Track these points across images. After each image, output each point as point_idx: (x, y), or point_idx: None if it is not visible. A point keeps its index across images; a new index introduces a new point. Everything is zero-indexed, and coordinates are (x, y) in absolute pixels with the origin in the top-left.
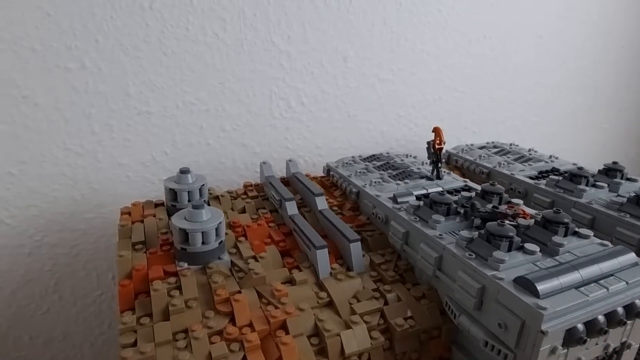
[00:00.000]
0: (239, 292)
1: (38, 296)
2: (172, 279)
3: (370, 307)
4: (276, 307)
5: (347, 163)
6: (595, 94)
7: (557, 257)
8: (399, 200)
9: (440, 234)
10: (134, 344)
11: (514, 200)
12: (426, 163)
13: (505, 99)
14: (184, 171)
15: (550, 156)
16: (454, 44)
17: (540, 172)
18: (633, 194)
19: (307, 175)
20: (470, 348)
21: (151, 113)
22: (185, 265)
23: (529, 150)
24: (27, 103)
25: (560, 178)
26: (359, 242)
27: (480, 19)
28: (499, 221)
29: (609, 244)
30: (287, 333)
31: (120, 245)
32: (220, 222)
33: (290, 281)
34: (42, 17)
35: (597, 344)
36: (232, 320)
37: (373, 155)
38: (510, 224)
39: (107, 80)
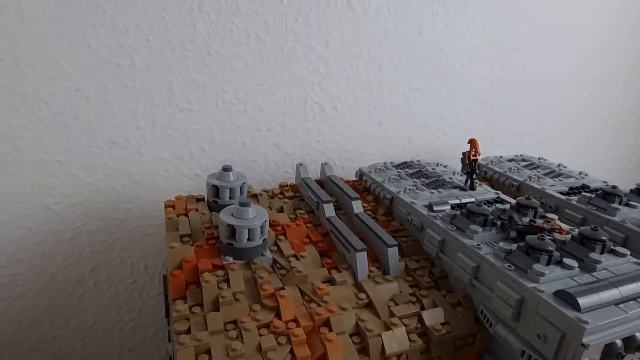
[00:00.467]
0: (283, 288)
1: (75, 280)
2: (220, 272)
3: (408, 310)
4: (319, 305)
5: (379, 169)
6: (625, 112)
7: (594, 274)
8: (435, 208)
9: (478, 244)
10: (188, 331)
11: (549, 215)
12: (457, 173)
13: (533, 112)
14: (227, 169)
15: (580, 172)
16: (486, 56)
17: (571, 188)
18: None
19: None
20: (503, 357)
21: (192, 110)
22: (231, 259)
23: (559, 165)
24: (79, 96)
25: (593, 195)
26: (397, 247)
27: (514, 32)
28: (538, 235)
29: None
30: (331, 330)
31: (169, 237)
32: (265, 221)
33: (330, 281)
34: (98, 15)
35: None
36: (278, 315)
37: (405, 162)
38: (549, 239)
39: (154, 77)
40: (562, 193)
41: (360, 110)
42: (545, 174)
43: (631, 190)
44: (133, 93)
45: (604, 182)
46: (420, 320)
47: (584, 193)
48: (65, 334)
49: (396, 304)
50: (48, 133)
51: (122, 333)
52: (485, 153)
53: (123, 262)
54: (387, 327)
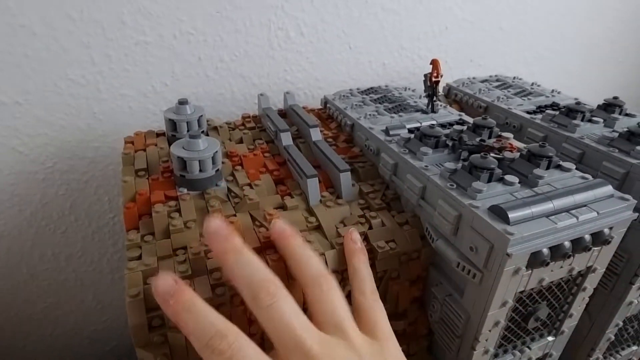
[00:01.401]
0: (234, 215)
1: (56, 217)
2: (173, 203)
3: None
4: (267, 229)
5: (344, 96)
6: (612, 25)
7: (535, 189)
8: (391, 132)
9: (426, 166)
10: (139, 257)
11: (504, 134)
12: (424, 96)
13: (516, 30)
14: (182, 102)
15: (552, 91)
16: None
17: (539, 107)
18: (626, 129)
19: (304, 108)
20: (445, 268)
21: (148, 43)
22: (185, 190)
23: (532, 84)
24: (25, 32)
25: (558, 113)
26: (349, 172)
27: None
28: (482, 154)
29: (590, 177)
30: (276, 252)
31: (124, 171)
32: (217, 152)
33: (283, 207)
34: None
35: (561, 267)
36: None
37: (371, 87)
38: (496, 157)
39: (102, 7)
40: (528, 112)
41: (329, 34)
42: (516, 94)
43: (598, 106)
44: (81, 26)
45: (575, 99)
46: (367, 239)
47: (548, 111)
48: (55, 266)
49: (344, 225)
50: (1, 74)
51: (110, 264)
52: (464, 75)
53: (100, 198)
54: (332, 247)
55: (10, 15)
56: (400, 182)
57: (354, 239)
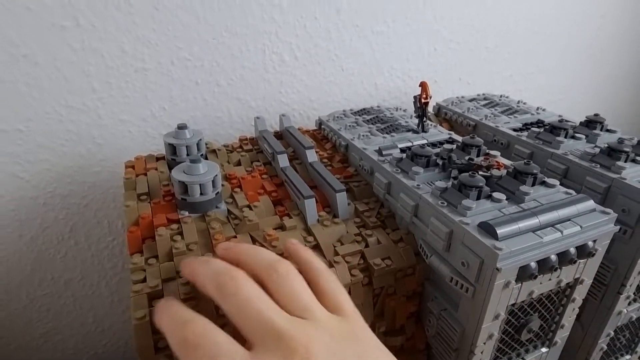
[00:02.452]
0: (235, 237)
1: (56, 241)
2: (175, 226)
3: (352, 249)
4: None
5: (338, 117)
6: (596, 42)
7: (522, 205)
8: (384, 152)
9: (418, 185)
10: (144, 280)
11: (492, 152)
12: (415, 116)
13: (502, 49)
14: (182, 127)
15: (537, 108)
16: None
17: (525, 124)
18: (606, 145)
19: (299, 129)
20: (439, 283)
21: (147, 70)
22: (186, 213)
23: (518, 102)
24: (28, 62)
25: (542, 130)
26: (344, 192)
27: None
28: (470, 172)
29: (573, 192)
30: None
31: (126, 196)
32: (216, 175)
33: (282, 227)
34: None
35: (550, 279)
36: None
37: (364, 109)
38: (484, 175)
39: (102, 37)
40: (515, 130)
41: (322, 57)
42: (503, 112)
43: (580, 123)
44: (82, 55)
45: (559, 116)
46: (364, 257)
47: (533, 128)
48: (55, 290)
49: (342, 244)
50: (2, 102)
51: (109, 287)
52: (453, 94)
53: (99, 222)
54: (331, 265)
55: (13, 46)
56: (394, 200)
57: (292, 241)
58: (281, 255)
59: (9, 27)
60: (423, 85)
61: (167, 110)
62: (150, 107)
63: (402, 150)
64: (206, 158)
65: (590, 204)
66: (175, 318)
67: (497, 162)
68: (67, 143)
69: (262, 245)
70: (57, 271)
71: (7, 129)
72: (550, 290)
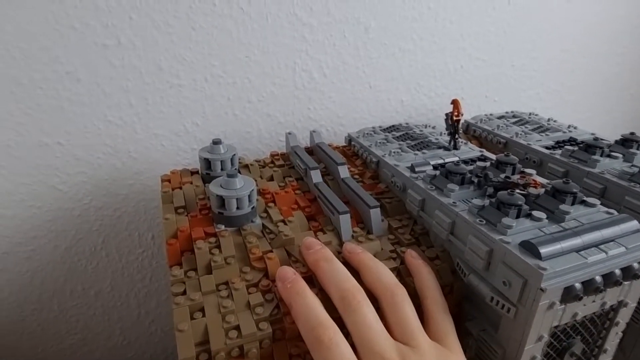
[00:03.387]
0: (271, 251)
1: (88, 253)
2: (212, 239)
3: (388, 266)
4: (303, 265)
5: (367, 133)
6: (623, 60)
7: (562, 224)
8: (417, 169)
9: (454, 202)
10: (184, 293)
11: (527, 170)
12: (444, 133)
13: (528, 67)
14: (217, 142)
15: (569, 126)
16: (477, 12)
17: (557, 142)
18: None
19: (329, 145)
20: (478, 303)
21: (182, 86)
22: (223, 227)
23: (548, 120)
24: (70, 79)
25: (576, 148)
26: (379, 208)
27: None
28: (509, 190)
29: (615, 212)
30: (314, 286)
31: (165, 209)
32: (253, 190)
33: None
34: None
35: (594, 301)
36: (266, 275)
37: (393, 125)
38: (521, 193)
39: (141, 55)
40: (547, 148)
41: (350, 75)
42: (533, 129)
43: (616, 141)
44: (122, 72)
45: (592, 134)
46: (400, 274)
47: (566, 146)
48: (85, 301)
49: None
50: (45, 116)
51: (137, 298)
52: (480, 111)
53: (131, 234)
54: None
55: (58, 63)
56: (429, 217)
57: (413, 255)
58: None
59: (56, 45)
60: (455, 102)
61: (200, 125)
62: (184, 122)
63: (435, 167)
64: (239, 172)
65: (635, 224)
66: (312, 317)
67: (533, 180)
68: (104, 156)
69: (298, 260)
70: (88, 282)
71: (49, 142)
72: (594, 313)
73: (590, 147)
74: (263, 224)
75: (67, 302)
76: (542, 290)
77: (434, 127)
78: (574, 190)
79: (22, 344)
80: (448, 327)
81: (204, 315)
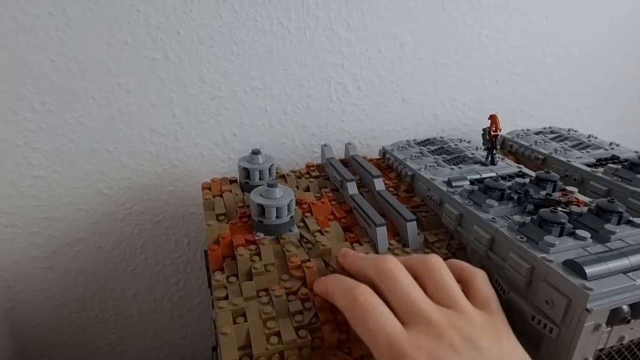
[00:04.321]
0: (309, 260)
1: (128, 255)
2: (252, 247)
3: None
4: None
5: (402, 147)
6: None
7: (607, 244)
8: (453, 184)
9: (493, 218)
10: (226, 297)
11: (569, 188)
12: (480, 148)
13: (567, 81)
14: (256, 152)
15: (611, 143)
16: (514, 27)
17: (599, 160)
18: None
19: (364, 157)
20: (518, 321)
21: (223, 97)
22: (262, 235)
23: (589, 136)
24: (121, 90)
25: (620, 167)
26: (415, 222)
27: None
28: (551, 208)
29: None
30: None
31: (207, 215)
32: (292, 200)
33: None
34: (133, 13)
35: None
36: (304, 284)
37: (427, 139)
38: (563, 211)
39: (186, 68)
40: (588, 165)
41: (384, 88)
42: (573, 146)
43: None
44: (168, 84)
45: (636, 152)
46: None
47: (609, 164)
48: (123, 302)
49: None
50: (97, 125)
51: (171, 302)
52: (516, 126)
53: (168, 239)
54: None
55: (111, 76)
56: (466, 232)
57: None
58: None
59: (110, 59)
60: (493, 117)
61: (237, 135)
62: (223, 132)
63: (472, 182)
64: None
65: None
66: (346, 284)
67: (576, 198)
68: (147, 163)
69: (335, 270)
70: (127, 284)
71: (99, 149)
72: None
73: (635, 166)
74: (300, 234)
75: (107, 302)
76: (587, 311)
77: (469, 142)
78: (620, 209)
79: (63, 341)
80: (490, 294)
81: (245, 320)
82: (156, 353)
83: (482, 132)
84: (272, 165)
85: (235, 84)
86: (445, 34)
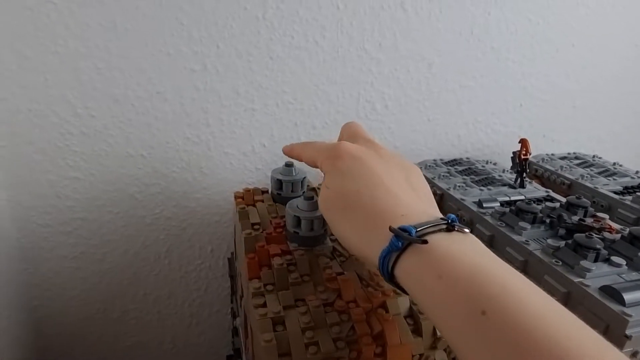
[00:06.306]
0: (343, 273)
1: (153, 260)
2: (288, 257)
3: None
4: (375, 289)
5: (429, 166)
6: None
7: None
8: (485, 205)
9: (526, 240)
10: (264, 305)
11: (600, 214)
12: (507, 171)
13: (590, 108)
14: (289, 164)
15: (637, 172)
16: (540, 52)
17: (626, 188)
18: None
19: None
20: None
21: (255, 110)
22: (297, 246)
23: (614, 164)
24: (159, 98)
25: None
26: None
27: (571, 27)
28: (587, 233)
29: None
30: (387, 312)
31: (242, 224)
32: None
33: None
34: (177, 26)
35: None
36: (339, 296)
37: (454, 159)
38: (598, 237)
39: (223, 80)
40: (615, 192)
41: (410, 107)
42: (599, 173)
43: None
44: (204, 95)
45: None
46: None
47: (638, 193)
48: (144, 306)
49: None
50: (134, 130)
51: (190, 308)
52: (538, 150)
53: (192, 245)
54: None
55: (151, 84)
56: (498, 254)
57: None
58: None
59: (151, 68)
60: (523, 141)
61: (266, 147)
62: (252, 143)
63: (502, 204)
64: None
65: None
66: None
67: (608, 224)
68: (178, 170)
69: (369, 284)
70: (149, 288)
71: (133, 154)
72: None
73: None
74: (333, 247)
75: (129, 304)
76: (627, 337)
77: (495, 164)
78: None
79: (83, 342)
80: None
81: (285, 329)
82: (173, 359)
83: (511, 155)
84: (304, 178)
85: (267, 97)
86: (472, 57)
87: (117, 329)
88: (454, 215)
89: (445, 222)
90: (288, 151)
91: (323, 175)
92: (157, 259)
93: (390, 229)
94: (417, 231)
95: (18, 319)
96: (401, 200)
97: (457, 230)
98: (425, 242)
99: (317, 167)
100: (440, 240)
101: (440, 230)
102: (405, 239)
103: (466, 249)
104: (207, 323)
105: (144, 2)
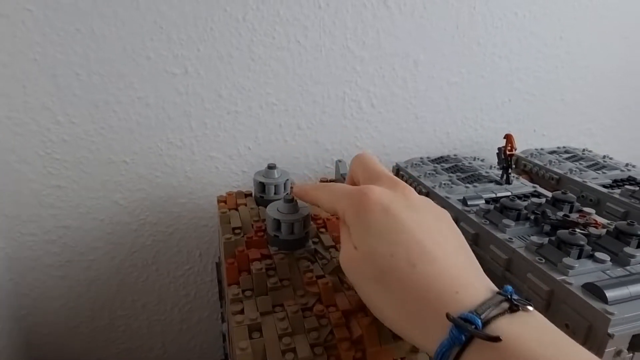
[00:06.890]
0: (323, 276)
1: (140, 266)
2: (268, 261)
3: None
4: (356, 293)
5: (415, 164)
6: None
7: (627, 268)
8: (469, 202)
9: (510, 238)
10: (242, 312)
11: (586, 209)
12: (494, 167)
13: (580, 102)
14: (272, 167)
15: (627, 164)
16: (528, 47)
17: (615, 181)
18: None
19: None
20: None
21: (238, 112)
22: (277, 249)
23: (604, 157)
24: (141, 103)
25: (637, 188)
26: None
27: (558, 21)
28: (570, 229)
29: None
30: (367, 315)
31: (224, 229)
32: (307, 215)
33: None
34: (156, 30)
35: None
36: (319, 300)
37: (441, 157)
38: (582, 233)
39: (204, 83)
40: (604, 186)
41: (397, 106)
42: (588, 166)
43: None
44: (186, 98)
45: None
46: None
47: (627, 186)
48: (132, 312)
49: None
50: (115, 136)
51: (180, 313)
52: (527, 145)
53: (180, 250)
54: None
55: (132, 89)
56: (483, 252)
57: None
58: None
59: (131, 73)
60: (508, 137)
61: (252, 149)
62: (237, 146)
63: (487, 202)
64: None
65: None
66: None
67: (594, 220)
68: (163, 175)
69: (350, 288)
70: (137, 294)
71: (116, 160)
72: None
73: None
74: (315, 249)
75: (117, 311)
76: (609, 336)
77: (482, 160)
78: (639, 232)
79: (73, 350)
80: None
81: (261, 335)
82: None
83: (497, 151)
84: (287, 180)
85: (251, 99)
86: (458, 54)
87: (106, 336)
88: (510, 287)
89: (505, 297)
90: (301, 195)
91: (343, 221)
92: (144, 265)
93: (449, 318)
94: (482, 319)
95: (6, 328)
96: (448, 270)
97: (522, 310)
98: (498, 339)
99: (336, 214)
100: (509, 329)
101: (504, 312)
102: (471, 332)
103: (539, 336)
104: (198, 328)
105: (121, 6)
